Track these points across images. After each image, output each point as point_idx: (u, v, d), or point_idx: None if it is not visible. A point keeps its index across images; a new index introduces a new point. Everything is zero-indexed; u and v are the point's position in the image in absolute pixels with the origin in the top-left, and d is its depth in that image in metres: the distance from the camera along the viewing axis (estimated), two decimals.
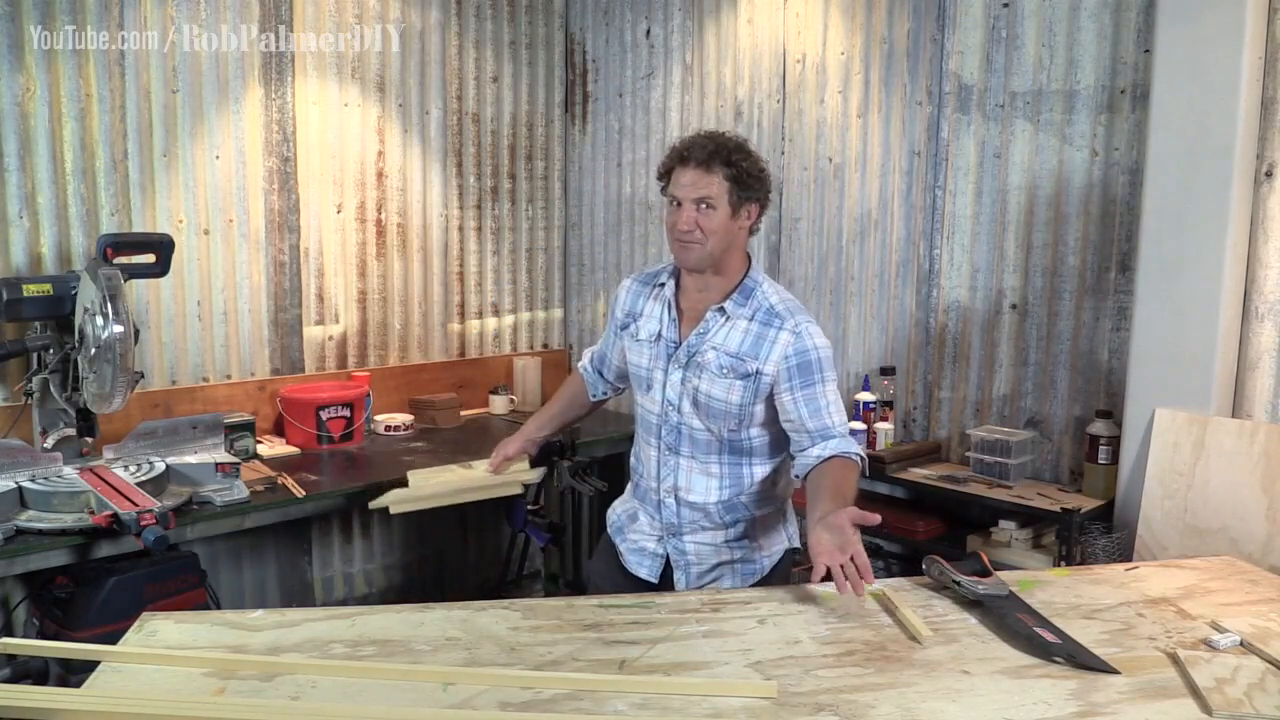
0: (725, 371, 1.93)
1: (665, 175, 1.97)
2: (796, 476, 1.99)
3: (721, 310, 1.96)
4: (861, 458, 1.97)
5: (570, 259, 4.26)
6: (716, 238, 1.90)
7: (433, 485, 2.58)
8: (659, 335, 2.02)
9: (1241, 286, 2.38)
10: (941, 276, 3.07)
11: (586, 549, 3.80)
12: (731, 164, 1.89)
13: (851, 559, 1.61)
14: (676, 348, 1.99)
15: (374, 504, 2.51)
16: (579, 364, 2.37)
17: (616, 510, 2.20)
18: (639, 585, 2.06)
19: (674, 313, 2.02)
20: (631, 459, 2.18)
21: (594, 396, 2.34)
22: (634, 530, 2.11)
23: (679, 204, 1.91)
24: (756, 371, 1.92)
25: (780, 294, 1.99)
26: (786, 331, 1.92)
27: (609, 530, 2.20)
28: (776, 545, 2.09)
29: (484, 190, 3.99)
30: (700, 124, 3.70)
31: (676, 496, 2.02)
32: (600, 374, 2.31)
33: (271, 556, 3.41)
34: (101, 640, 1.53)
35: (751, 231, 1.99)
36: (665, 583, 2.05)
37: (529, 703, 1.31)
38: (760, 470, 2.02)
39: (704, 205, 1.88)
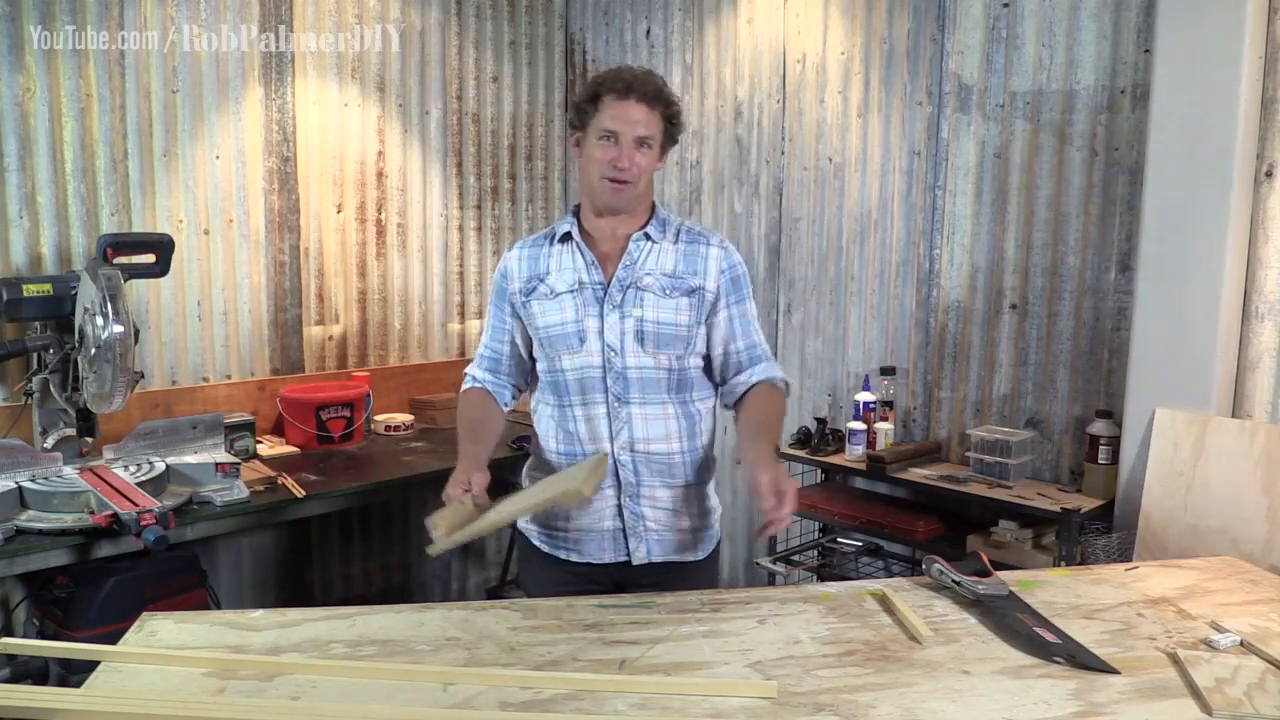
0: (669, 291, 1.87)
1: (591, 102, 1.83)
2: (725, 405, 1.96)
3: (646, 235, 1.89)
4: (786, 383, 1.95)
5: None
6: (646, 179, 1.86)
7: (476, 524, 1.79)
8: (580, 283, 1.89)
9: (1241, 286, 2.38)
10: (941, 276, 3.07)
11: None
12: (669, 105, 1.84)
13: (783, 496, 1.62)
14: (604, 290, 1.88)
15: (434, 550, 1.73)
16: (474, 384, 2.03)
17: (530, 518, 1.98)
18: (594, 586, 1.92)
19: (589, 256, 1.90)
20: (553, 443, 1.95)
21: (506, 405, 2.04)
22: (574, 523, 1.92)
23: (615, 139, 1.81)
24: (700, 288, 1.88)
25: (681, 218, 1.99)
26: (715, 247, 1.91)
27: (533, 540, 1.99)
28: (718, 507, 2.04)
29: (484, 190, 3.99)
30: (700, 124, 3.70)
31: (633, 450, 1.89)
32: (505, 380, 2.04)
33: (271, 556, 3.42)
34: (101, 640, 1.53)
35: None
36: (624, 563, 1.92)
37: (529, 703, 1.31)
38: (703, 408, 1.96)
39: (644, 145, 1.82)
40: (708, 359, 1.96)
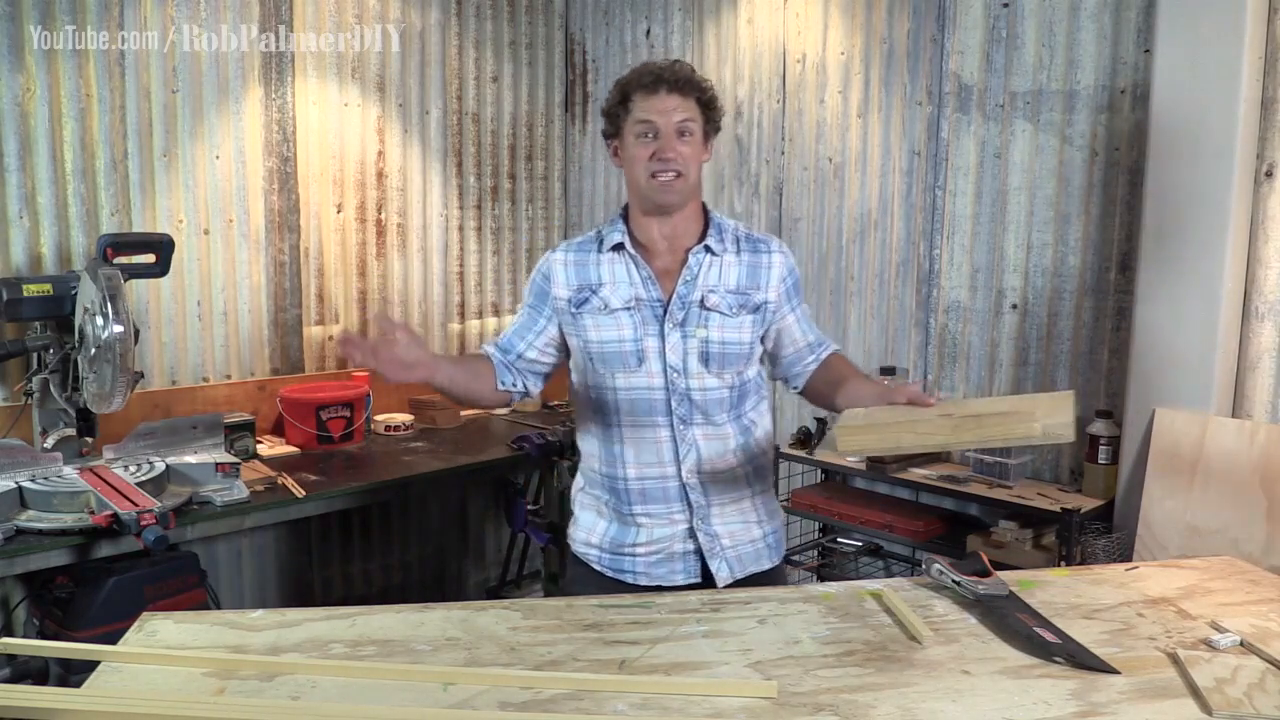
0: (736, 310, 1.82)
1: (621, 105, 1.78)
2: (795, 389, 1.95)
3: (707, 249, 1.82)
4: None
5: None
6: (695, 169, 1.78)
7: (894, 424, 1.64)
8: (636, 299, 1.81)
9: (1241, 286, 2.39)
10: (941, 276, 3.07)
11: None
12: (703, 90, 1.79)
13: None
14: (664, 308, 1.80)
15: (843, 446, 1.64)
16: (483, 348, 1.94)
17: (593, 540, 1.90)
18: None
19: (644, 270, 1.81)
20: (597, 463, 1.89)
21: (501, 385, 1.87)
22: (645, 545, 1.85)
23: (654, 133, 1.74)
24: (763, 302, 1.85)
25: (735, 222, 1.93)
26: (777, 253, 1.88)
27: (594, 564, 1.90)
28: (779, 509, 2.00)
29: (484, 190, 3.99)
30: None
31: (700, 472, 1.82)
32: (510, 364, 1.89)
33: (271, 556, 3.42)
34: (101, 640, 1.52)
35: None
36: (707, 580, 1.85)
37: (529, 703, 1.31)
38: (754, 416, 1.91)
39: (685, 133, 1.75)
40: (767, 358, 1.94)
